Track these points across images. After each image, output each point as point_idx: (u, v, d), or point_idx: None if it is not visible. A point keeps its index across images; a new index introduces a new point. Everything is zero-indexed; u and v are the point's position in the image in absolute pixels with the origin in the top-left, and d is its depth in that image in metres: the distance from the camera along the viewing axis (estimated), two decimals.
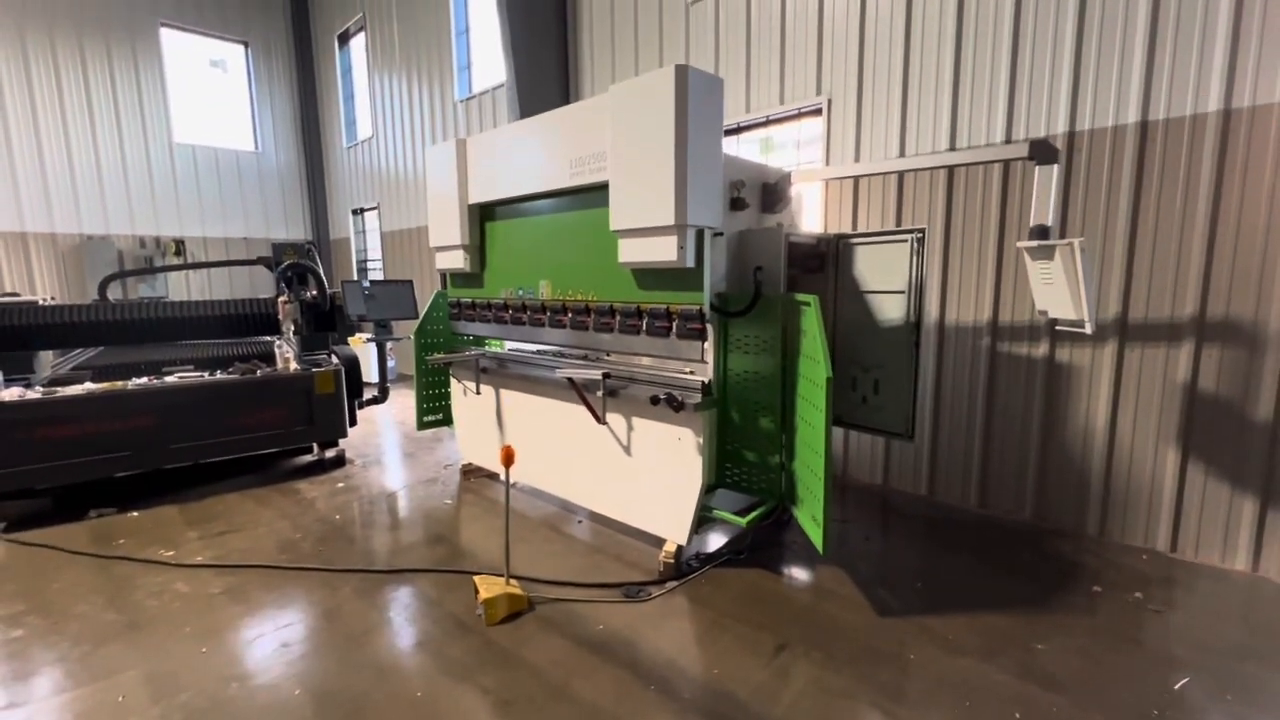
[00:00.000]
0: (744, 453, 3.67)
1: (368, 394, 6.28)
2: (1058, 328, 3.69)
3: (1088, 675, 2.72)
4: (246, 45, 12.22)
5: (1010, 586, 3.50)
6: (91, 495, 4.83)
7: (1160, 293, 3.76)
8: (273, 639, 3.03)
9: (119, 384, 4.89)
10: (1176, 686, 2.64)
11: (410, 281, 6.38)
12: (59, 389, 4.69)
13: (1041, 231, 3.23)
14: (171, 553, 3.97)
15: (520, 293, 4.45)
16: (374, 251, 11.89)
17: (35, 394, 4.56)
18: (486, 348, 5.29)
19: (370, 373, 7.72)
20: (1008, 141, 4.19)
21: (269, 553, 3.96)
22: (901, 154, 4.67)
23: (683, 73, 3.11)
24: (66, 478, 4.60)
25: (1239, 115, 3.42)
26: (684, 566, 3.68)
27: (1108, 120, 3.82)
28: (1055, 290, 3.21)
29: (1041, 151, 3.22)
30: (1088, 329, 3.12)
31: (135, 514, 4.64)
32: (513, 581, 3.32)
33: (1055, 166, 3.25)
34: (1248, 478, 3.58)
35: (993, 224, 4.32)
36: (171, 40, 11.34)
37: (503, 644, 2.96)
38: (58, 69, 10.14)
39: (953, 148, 4.43)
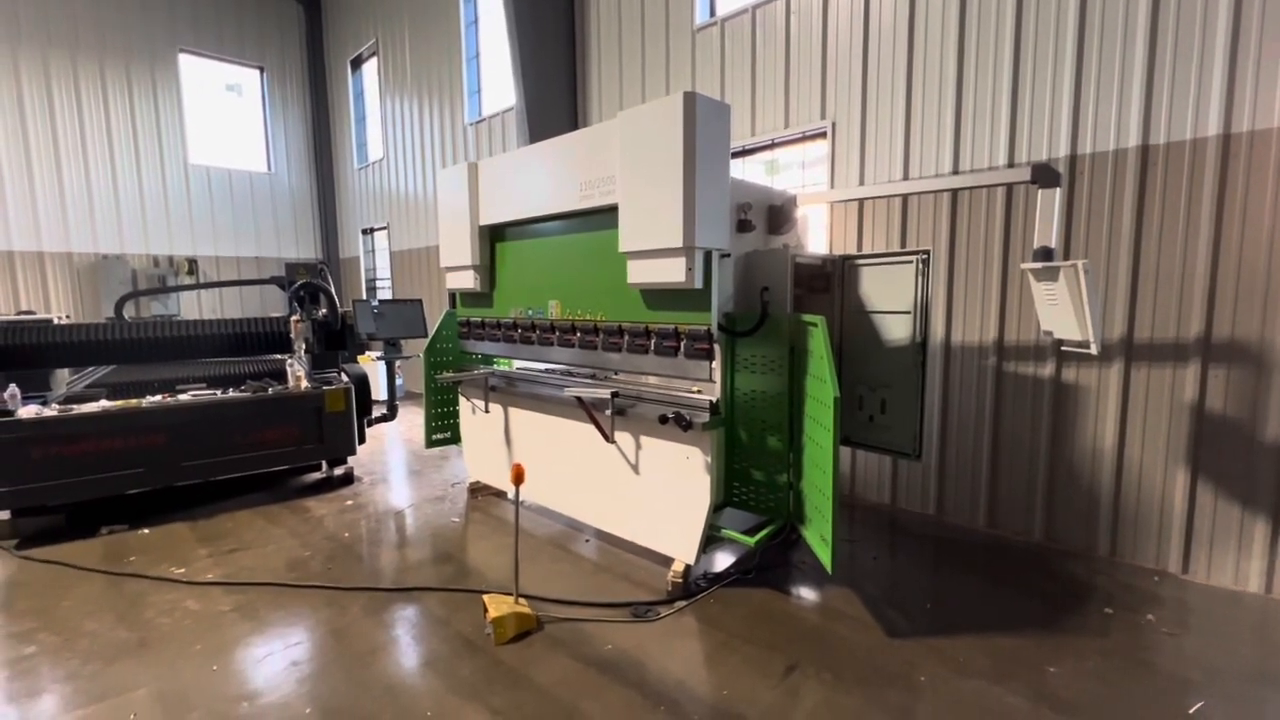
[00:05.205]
0: (752, 472, 3.69)
1: (376, 412, 6.33)
2: (1063, 348, 3.71)
3: (1101, 699, 2.69)
4: (262, 70, 12.52)
5: (1021, 608, 3.48)
6: (103, 512, 4.86)
7: (1165, 313, 3.78)
8: (282, 657, 3.03)
9: (133, 402, 4.95)
10: (1191, 711, 2.62)
11: (419, 300, 6.47)
12: (75, 406, 4.75)
13: (1045, 253, 3.27)
14: (182, 570, 3.99)
15: (530, 312, 4.50)
16: (383, 270, 12.04)
17: (51, 411, 4.62)
18: (495, 366, 5.33)
19: (379, 390, 7.78)
20: (1010, 165, 4.26)
21: (278, 570, 3.98)
22: (905, 177, 4.74)
23: (690, 100, 3.18)
24: (80, 494, 4.64)
25: (1238, 139, 3.48)
26: (692, 586, 3.68)
27: (1109, 144, 3.88)
28: (1060, 311, 3.24)
29: (1043, 175, 3.27)
30: (1093, 349, 3.14)
31: (146, 531, 4.67)
32: (521, 600, 3.33)
33: (1057, 190, 3.29)
34: (1259, 499, 3.56)
35: (997, 246, 4.37)
36: (189, 65, 11.64)
37: (511, 664, 2.96)
38: (79, 94, 10.41)
39: (956, 171, 4.50)
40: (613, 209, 3.65)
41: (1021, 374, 4.36)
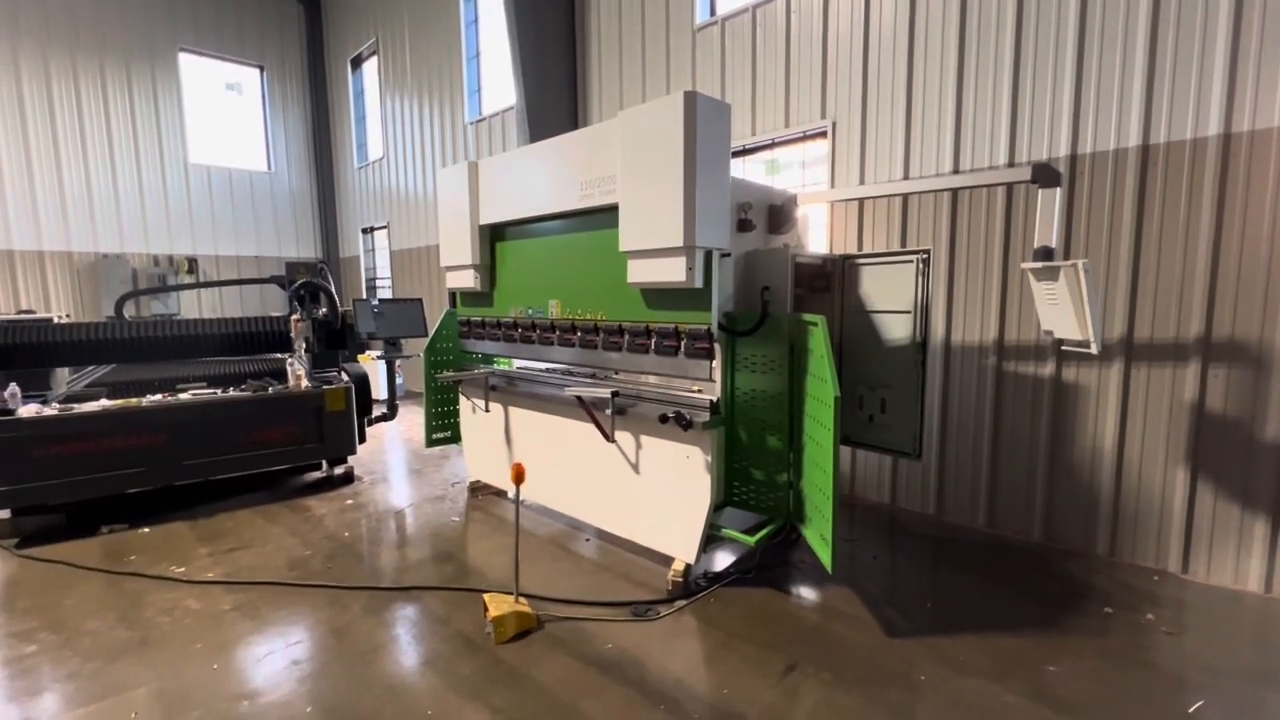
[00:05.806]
0: (752, 471, 3.69)
1: (377, 411, 6.33)
2: (1064, 348, 3.71)
3: (1101, 698, 2.70)
4: (262, 69, 12.52)
5: (1020, 607, 3.49)
6: (104, 511, 4.86)
7: (1165, 313, 3.78)
8: (283, 656, 3.04)
9: (133, 401, 4.95)
10: (1190, 710, 2.62)
11: (419, 300, 6.47)
12: (75, 405, 4.75)
13: (1045, 253, 3.27)
14: (182, 569, 3.99)
15: (530, 312, 4.50)
16: (383, 270, 12.04)
17: (52, 410, 4.62)
18: (495, 366, 5.34)
19: (379, 390, 7.79)
20: (1010, 165, 4.26)
21: (279, 570, 3.98)
22: (906, 176, 4.74)
23: (691, 99, 3.18)
24: (80, 494, 4.64)
25: (1239, 139, 3.48)
26: (692, 585, 3.68)
27: (1109, 144, 3.88)
28: (1060, 311, 3.24)
29: (1044, 175, 3.27)
30: (1093, 349, 3.14)
31: (146, 530, 4.67)
32: (521, 599, 3.33)
33: (1058, 189, 3.30)
34: (1258, 498, 3.57)
35: (997, 245, 4.37)
36: (189, 64, 11.63)
37: (512, 663, 2.96)
38: (79, 93, 10.40)
39: (956, 170, 4.50)
40: (613, 208, 3.65)
41: (1021, 374, 4.36)
